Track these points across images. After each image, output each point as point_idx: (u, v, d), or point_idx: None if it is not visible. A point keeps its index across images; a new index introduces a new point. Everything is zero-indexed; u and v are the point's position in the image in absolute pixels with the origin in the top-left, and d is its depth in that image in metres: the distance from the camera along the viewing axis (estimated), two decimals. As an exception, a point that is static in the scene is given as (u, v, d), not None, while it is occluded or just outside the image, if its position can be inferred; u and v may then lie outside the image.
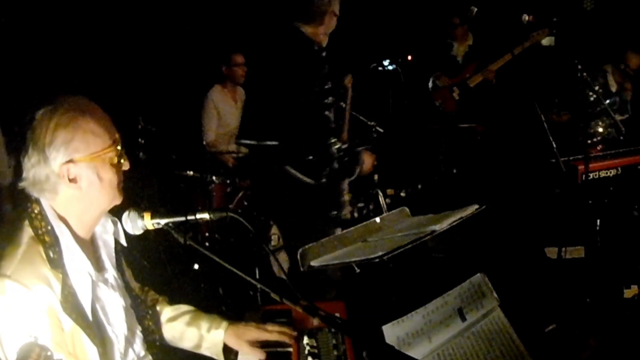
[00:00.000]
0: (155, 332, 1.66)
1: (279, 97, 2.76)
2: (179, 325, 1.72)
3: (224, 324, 1.70)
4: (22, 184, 1.39)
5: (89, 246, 1.50)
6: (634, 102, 4.50)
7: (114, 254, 1.56)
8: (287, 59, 2.77)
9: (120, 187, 1.46)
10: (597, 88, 4.40)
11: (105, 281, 1.49)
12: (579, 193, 3.38)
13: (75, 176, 1.37)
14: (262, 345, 1.68)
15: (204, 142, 4.56)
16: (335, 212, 2.85)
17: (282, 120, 2.78)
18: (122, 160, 1.44)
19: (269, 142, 2.82)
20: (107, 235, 1.55)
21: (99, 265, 1.51)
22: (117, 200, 1.47)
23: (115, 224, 1.55)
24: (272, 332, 1.68)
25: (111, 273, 1.53)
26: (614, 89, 4.48)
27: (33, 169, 1.36)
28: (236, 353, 1.69)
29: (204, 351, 1.71)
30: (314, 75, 2.74)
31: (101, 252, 1.53)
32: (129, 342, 1.51)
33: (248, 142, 3.11)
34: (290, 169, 2.79)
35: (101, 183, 1.41)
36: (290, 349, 1.67)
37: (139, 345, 1.56)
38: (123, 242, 1.58)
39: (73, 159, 1.35)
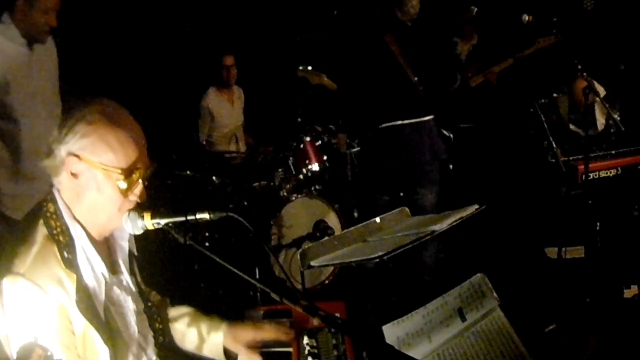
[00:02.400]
0: (166, 334, 1.65)
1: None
2: (179, 326, 1.73)
3: (223, 326, 1.70)
4: (42, 161, 1.39)
5: (104, 248, 1.49)
6: (633, 103, 4.48)
7: (127, 259, 1.55)
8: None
9: (122, 212, 1.41)
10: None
11: (120, 284, 1.48)
12: (578, 193, 3.38)
13: (77, 172, 1.36)
14: (262, 345, 1.69)
15: (200, 142, 4.59)
16: None
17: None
18: (131, 189, 1.39)
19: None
20: (123, 241, 1.54)
21: (114, 268, 1.50)
22: (119, 223, 1.42)
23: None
24: (269, 331, 1.68)
25: (125, 277, 1.52)
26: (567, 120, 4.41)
27: (52, 144, 1.37)
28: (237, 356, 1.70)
29: (206, 352, 1.71)
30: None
31: (117, 256, 1.53)
32: (141, 347, 1.51)
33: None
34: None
35: (100, 195, 1.38)
36: (290, 349, 1.67)
37: (151, 351, 1.55)
38: (135, 251, 1.58)
39: (80, 155, 1.34)
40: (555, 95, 4.41)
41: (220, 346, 1.68)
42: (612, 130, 3.90)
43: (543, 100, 4.41)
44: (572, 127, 4.34)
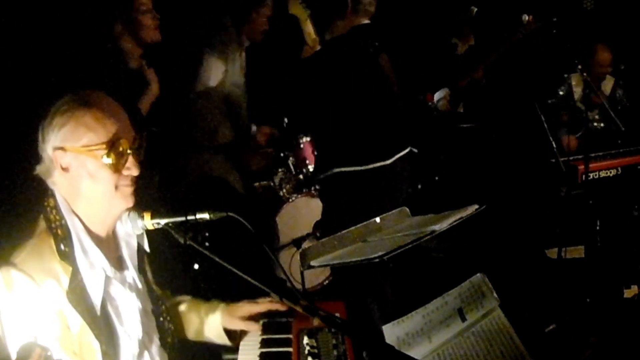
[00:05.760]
0: (175, 335, 1.64)
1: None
2: (180, 312, 1.74)
3: (221, 306, 1.73)
4: (36, 167, 1.40)
5: (107, 243, 1.47)
6: (633, 103, 4.48)
7: (136, 256, 1.54)
8: None
9: (125, 191, 1.41)
10: (561, 93, 4.38)
11: (123, 280, 1.47)
12: (578, 193, 3.38)
13: (67, 166, 1.36)
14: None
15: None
16: None
17: None
18: (120, 162, 1.38)
19: None
20: (130, 237, 1.53)
21: (119, 264, 1.49)
22: (122, 204, 1.42)
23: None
24: (264, 304, 1.72)
25: (131, 274, 1.51)
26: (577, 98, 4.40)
27: (39, 149, 1.38)
28: (240, 336, 1.73)
29: (208, 336, 1.72)
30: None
31: (123, 252, 1.51)
32: (144, 346, 1.49)
33: None
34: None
35: (93, 180, 1.37)
36: (290, 349, 1.67)
37: (155, 350, 1.54)
38: (146, 247, 1.56)
39: (64, 147, 1.34)
40: (566, 76, 4.38)
41: (220, 327, 1.69)
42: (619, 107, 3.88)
43: (550, 101, 4.40)
44: (578, 104, 4.32)
